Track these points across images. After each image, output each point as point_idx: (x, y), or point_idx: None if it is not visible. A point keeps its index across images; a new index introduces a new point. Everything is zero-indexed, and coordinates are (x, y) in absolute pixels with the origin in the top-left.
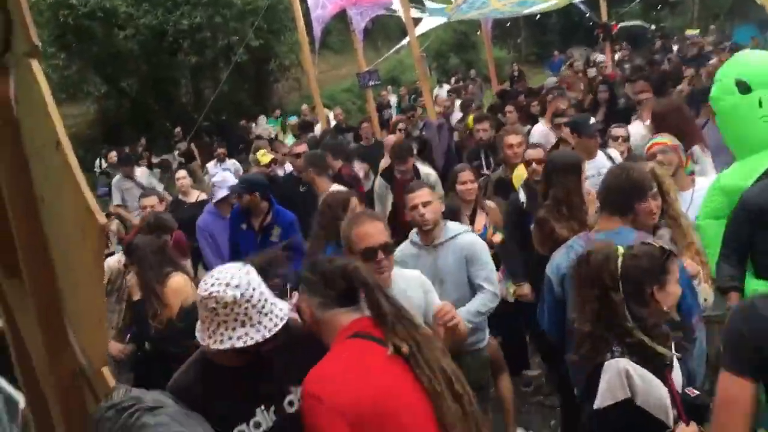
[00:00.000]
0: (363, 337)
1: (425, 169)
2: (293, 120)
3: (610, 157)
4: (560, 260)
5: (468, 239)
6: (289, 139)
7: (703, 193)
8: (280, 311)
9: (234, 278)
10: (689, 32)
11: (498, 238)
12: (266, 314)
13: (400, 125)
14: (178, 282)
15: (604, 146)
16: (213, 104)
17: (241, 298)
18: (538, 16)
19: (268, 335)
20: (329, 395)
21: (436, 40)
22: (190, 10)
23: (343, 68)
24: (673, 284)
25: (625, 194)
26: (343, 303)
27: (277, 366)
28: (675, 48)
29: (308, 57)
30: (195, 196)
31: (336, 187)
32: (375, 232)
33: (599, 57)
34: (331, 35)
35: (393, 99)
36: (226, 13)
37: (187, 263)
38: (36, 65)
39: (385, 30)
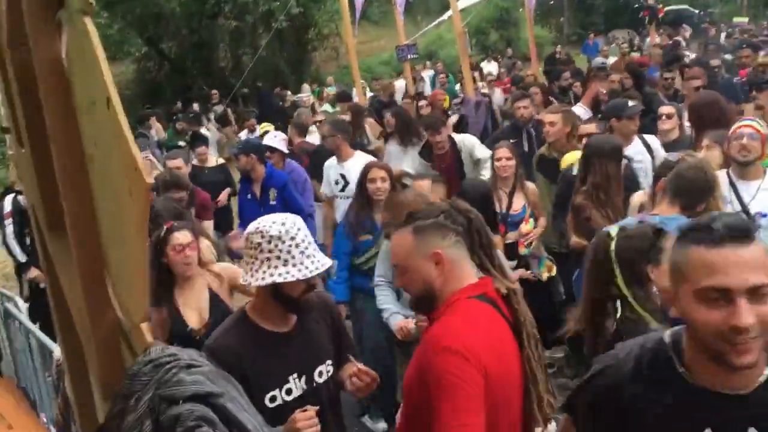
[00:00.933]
0: (486, 301)
1: (459, 137)
2: (332, 90)
3: (646, 144)
4: None
5: None
6: (325, 107)
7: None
8: (323, 258)
9: (280, 218)
10: (737, 19)
11: (526, 228)
12: (308, 256)
13: (422, 102)
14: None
15: (641, 131)
16: (251, 70)
17: (285, 234)
18: None
19: (309, 275)
20: (467, 349)
21: (476, 16)
22: None
23: (381, 40)
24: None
25: (697, 194)
26: (466, 240)
27: (314, 337)
28: (723, 35)
29: (348, 27)
30: (214, 160)
31: (363, 156)
32: None
33: (649, 40)
34: (372, 6)
35: (427, 74)
36: None
37: (210, 223)
38: (89, 22)
39: (426, 3)
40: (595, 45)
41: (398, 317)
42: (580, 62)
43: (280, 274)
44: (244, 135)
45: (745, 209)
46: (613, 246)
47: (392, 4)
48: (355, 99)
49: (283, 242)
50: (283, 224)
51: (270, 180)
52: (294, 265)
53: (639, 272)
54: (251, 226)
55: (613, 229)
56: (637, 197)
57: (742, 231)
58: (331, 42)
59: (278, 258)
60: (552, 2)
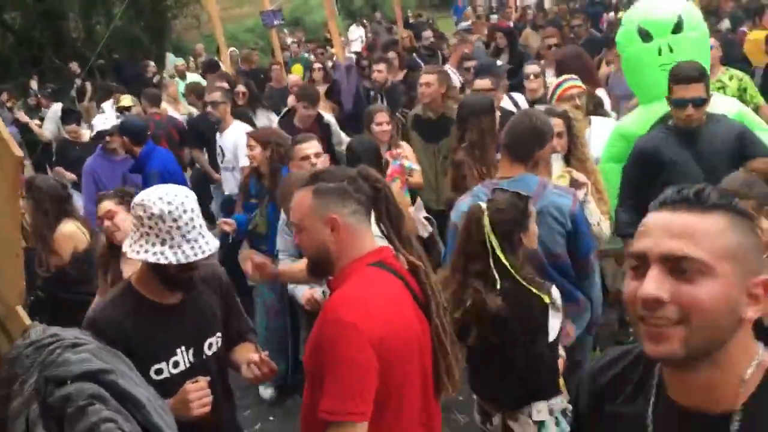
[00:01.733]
0: (384, 267)
1: (329, 117)
2: (179, 62)
3: (515, 102)
4: (464, 207)
5: None
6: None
7: (598, 133)
8: (206, 245)
9: (169, 195)
10: None
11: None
12: (189, 241)
13: (316, 65)
14: (69, 228)
15: (512, 90)
16: (106, 41)
17: (168, 215)
18: None
19: (183, 261)
20: (362, 320)
21: None
22: None
23: (245, 6)
24: (533, 224)
25: (526, 142)
26: (369, 210)
27: (202, 308)
28: None
29: None
30: (87, 136)
31: (239, 125)
32: None
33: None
34: None
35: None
36: None
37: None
38: None
39: None
40: (464, 6)
41: (303, 288)
42: (446, 26)
43: (154, 254)
44: (108, 106)
45: None
46: (486, 220)
47: None
48: (223, 69)
49: (164, 222)
50: (170, 203)
51: (136, 164)
52: (171, 247)
53: (513, 241)
54: (138, 196)
55: (483, 202)
56: None
57: (687, 197)
58: (191, 9)
59: (157, 236)
60: None
